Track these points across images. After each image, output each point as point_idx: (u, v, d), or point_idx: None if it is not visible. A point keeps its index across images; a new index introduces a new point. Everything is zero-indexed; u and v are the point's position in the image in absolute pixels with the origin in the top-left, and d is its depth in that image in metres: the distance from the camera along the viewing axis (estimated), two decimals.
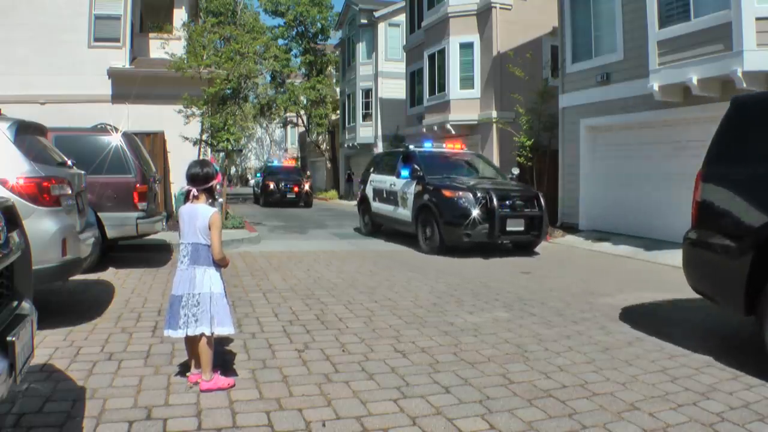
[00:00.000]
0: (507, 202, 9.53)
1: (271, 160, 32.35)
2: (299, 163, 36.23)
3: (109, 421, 2.88)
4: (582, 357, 4.16)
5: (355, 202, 26.30)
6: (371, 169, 12.93)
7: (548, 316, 5.44)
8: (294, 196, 23.36)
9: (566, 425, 2.98)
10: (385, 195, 11.74)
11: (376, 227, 12.59)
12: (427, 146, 11.90)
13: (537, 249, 10.32)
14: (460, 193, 9.65)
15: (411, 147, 11.47)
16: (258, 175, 26.99)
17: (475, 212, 9.27)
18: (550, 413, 3.13)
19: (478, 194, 9.48)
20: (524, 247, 10.26)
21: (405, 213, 10.80)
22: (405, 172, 10.79)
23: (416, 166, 10.66)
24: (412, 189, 10.51)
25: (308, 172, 29.62)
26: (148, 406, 3.07)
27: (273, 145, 61.59)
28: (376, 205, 12.16)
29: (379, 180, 12.15)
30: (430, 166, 10.76)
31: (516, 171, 11.58)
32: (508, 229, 9.46)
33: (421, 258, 9.34)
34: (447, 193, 9.77)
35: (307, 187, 23.82)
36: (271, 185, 23.41)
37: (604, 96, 12.38)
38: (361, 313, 5.40)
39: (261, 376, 3.61)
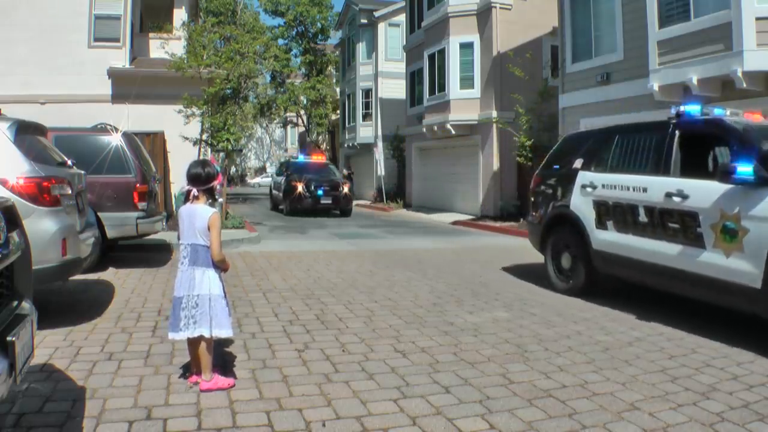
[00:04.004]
0: None
1: (296, 156, 25.00)
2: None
3: (109, 421, 2.88)
4: (582, 357, 4.16)
5: (354, 203, 25.28)
6: (576, 164, 6.62)
7: (548, 316, 5.44)
8: (330, 201, 18.19)
9: (566, 425, 2.98)
10: (644, 218, 5.54)
11: (594, 278, 6.33)
12: (697, 110, 5.45)
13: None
14: None
15: (705, 113, 5.47)
16: (280, 173, 20.86)
17: None
18: (550, 413, 3.13)
19: None
20: None
21: (735, 265, 4.57)
22: (747, 168, 4.46)
23: None
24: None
25: (345, 171, 23.21)
26: (148, 406, 3.07)
27: (273, 144, 61.65)
28: (612, 238, 5.95)
29: (619, 183, 5.88)
30: None
31: None
32: None
33: None
34: None
35: (346, 189, 18.52)
36: (299, 187, 17.97)
37: (604, 96, 12.37)
38: (361, 313, 5.40)
39: (261, 376, 3.61)
